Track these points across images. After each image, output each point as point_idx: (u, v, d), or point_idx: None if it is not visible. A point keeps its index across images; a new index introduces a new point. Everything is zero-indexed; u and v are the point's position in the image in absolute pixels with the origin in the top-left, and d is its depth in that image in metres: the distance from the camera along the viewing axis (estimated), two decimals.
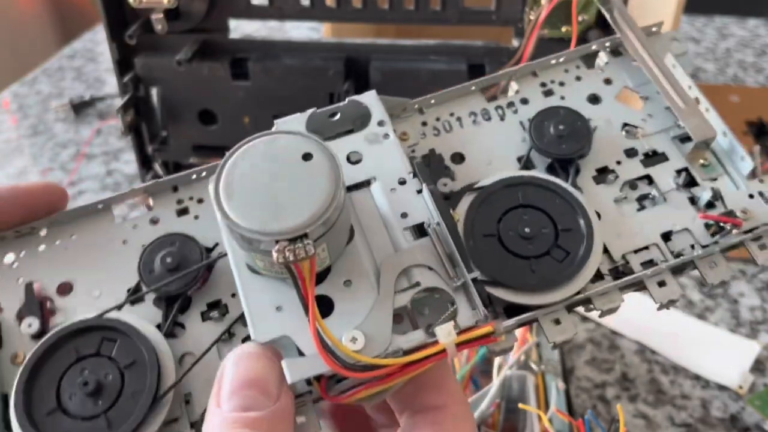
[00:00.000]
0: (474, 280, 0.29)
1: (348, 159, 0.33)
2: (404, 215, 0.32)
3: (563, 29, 0.57)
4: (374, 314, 0.29)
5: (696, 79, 0.98)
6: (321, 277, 0.30)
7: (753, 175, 0.34)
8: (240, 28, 1.01)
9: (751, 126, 0.86)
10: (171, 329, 0.32)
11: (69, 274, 0.34)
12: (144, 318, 0.32)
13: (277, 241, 0.27)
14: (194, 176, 0.35)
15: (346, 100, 0.35)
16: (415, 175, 0.33)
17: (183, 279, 0.33)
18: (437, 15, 0.59)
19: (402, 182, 0.33)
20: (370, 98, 0.35)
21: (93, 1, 0.59)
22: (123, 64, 0.61)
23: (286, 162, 0.29)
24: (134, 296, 0.33)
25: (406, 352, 0.29)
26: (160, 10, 0.57)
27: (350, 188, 0.32)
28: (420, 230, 0.32)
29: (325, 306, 0.29)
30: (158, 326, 0.32)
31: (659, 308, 0.32)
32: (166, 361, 0.31)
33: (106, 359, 0.30)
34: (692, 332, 0.64)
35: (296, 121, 0.34)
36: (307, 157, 0.29)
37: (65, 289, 0.33)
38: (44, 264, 0.34)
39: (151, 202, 0.35)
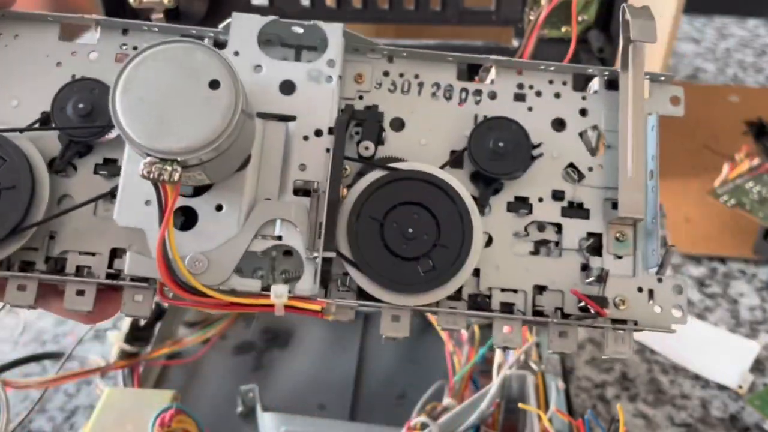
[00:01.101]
0: (326, 259, 0.31)
1: (281, 87, 0.33)
2: (302, 167, 0.32)
3: (563, 29, 0.57)
4: (227, 246, 0.31)
5: (696, 79, 0.98)
6: (198, 191, 0.32)
7: (656, 271, 0.33)
8: None
9: (751, 126, 0.86)
10: (63, 167, 0.33)
11: None
12: (44, 147, 0.33)
13: (148, 155, 0.27)
14: (146, 28, 0.35)
15: (312, 22, 0.35)
16: (330, 132, 0.33)
17: (91, 128, 0.33)
18: (437, 15, 0.59)
19: (318, 133, 0.33)
20: (334, 30, 0.34)
21: (93, 1, 0.59)
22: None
23: (192, 80, 0.28)
24: (38, 129, 0.33)
25: (238, 294, 0.30)
26: (160, 10, 0.57)
27: (269, 116, 0.33)
28: (306, 192, 0.32)
29: (189, 219, 0.31)
30: (53, 159, 0.33)
31: (495, 347, 0.33)
32: (41, 195, 0.32)
33: None
34: (692, 332, 0.64)
35: (255, 21, 0.34)
36: (214, 84, 0.28)
37: None
38: None
39: (98, 34, 0.36)
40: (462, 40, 0.64)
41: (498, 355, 0.51)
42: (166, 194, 0.28)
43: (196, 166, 0.28)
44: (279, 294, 0.30)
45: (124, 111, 0.28)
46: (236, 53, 0.34)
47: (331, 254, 0.31)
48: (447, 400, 0.49)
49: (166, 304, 0.31)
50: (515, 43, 0.59)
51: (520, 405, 0.46)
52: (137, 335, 0.56)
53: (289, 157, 0.32)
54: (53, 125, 0.33)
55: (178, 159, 0.27)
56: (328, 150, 0.32)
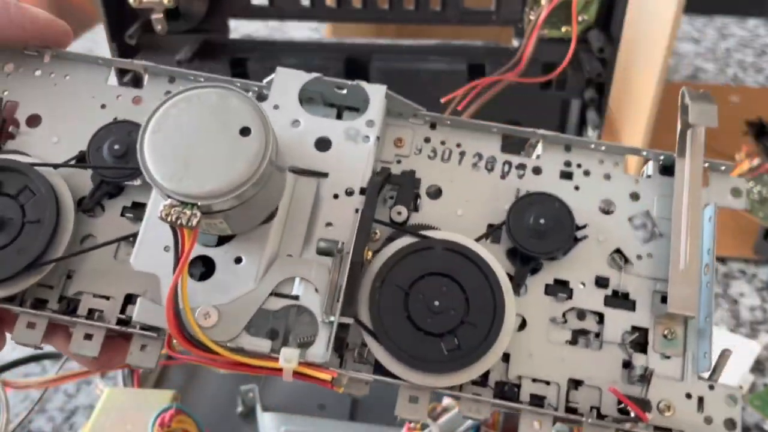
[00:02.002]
0: (343, 326, 0.29)
1: (316, 143, 0.32)
2: (329, 225, 0.31)
3: (563, 29, 0.57)
4: (240, 301, 0.29)
5: (696, 79, 0.98)
6: (221, 240, 0.31)
7: (708, 377, 0.30)
8: (240, 28, 1.01)
9: (751, 126, 0.86)
10: (92, 207, 0.33)
11: (44, 108, 0.35)
12: (76, 185, 0.33)
13: (169, 197, 0.27)
14: (192, 77, 0.35)
15: (356, 81, 0.33)
16: (362, 193, 0.31)
17: (123, 170, 0.33)
18: (437, 15, 0.59)
19: (349, 193, 0.31)
20: (376, 92, 0.33)
21: (93, 1, 0.59)
22: None
23: (223, 126, 0.28)
24: (72, 165, 0.34)
25: (246, 353, 0.29)
26: (160, 10, 0.57)
27: (301, 171, 0.32)
28: (331, 254, 0.30)
29: (206, 269, 0.30)
30: (83, 198, 0.33)
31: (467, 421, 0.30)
32: (65, 232, 0.32)
33: (18, 206, 0.32)
34: None
35: (299, 77, 0.33)
36: (245, 131, 0.28)
37: (34, 121, 0.35)
38: (32, 87, 0.35)
39: (146, 80, 0.36)
40: (462, 40, 0.64)
41: None
42: (183, 239, 0.27)
43: (218, 213, 0.27)
44: (289, 358, 0.28)
45: (150, 150, 0.27)
46: (276, 107, 0.33)
47: (349, 320, 0.29)
48: (447, 400, 0.49)
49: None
50: (515, 43, 0.59)
51: None
52: None
53: (317, 214, 0.31)
54: (87, 163, 0.34)
55: (198, 204, 0.26)
56: (357, 210, 0.31)
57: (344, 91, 0.34)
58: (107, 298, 0.32)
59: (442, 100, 0.50)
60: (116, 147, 0.33)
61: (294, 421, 0.50)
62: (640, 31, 0.69)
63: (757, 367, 0.61)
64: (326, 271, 0.30)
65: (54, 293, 0.32)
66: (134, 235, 0.32)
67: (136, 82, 0.63)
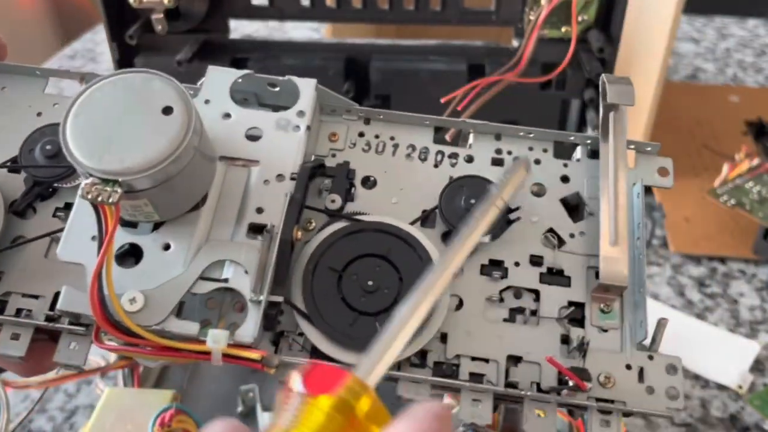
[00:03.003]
0: (273, 306, 0.29)
1: (246, 133, 0.33)
2: (259, 210, 0.31)
3: (563, 29, 0.57)
4: (168, 286, 0.29)
5: (695, 79, 0.98)
6: (149, 228, 0.30)
7: (646, 347, 0.30)
8: (240, 29, 1.01)
9: (751, 126, 0.86)
10: (22, 208, 0.33)
11: None
12: (9, 189, 0.33)
13: (90, 175, 0.27)
14: None
15: (286, 77, 0.34)
16: (293, 179, 0.31)
17: (55, 169, 0.33)
18: (437, 15, 0.59)
19: (280, 178, 0.32)
20: (306, 86, 0.34)
21: (93, 1, 0.59)
22: (123, 65, 0.61)
23: (146, 106, 0.28)
24: (6, 165, 0.34)
25: (175, 337, 0.28)
26: (160, 11, 0.57)
27: (232, 160, 0.32)
28: (261, 232, 0.31)
29: (134, 256, 0.30)
30: (14, 202, 0.33)
31: (461, 424, 0.30)
32: None
33: None
34: (692, 332, 0.64)
35: (230, 74, 0.34)
36: (167, 110, 0.28)
37: None
38: None
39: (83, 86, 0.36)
40: (462, 40, 0.64)
41: None
42: (106, 219, 0.27)
43: (141, 193, 0.28)
44: (217, 339, 0.28)
45: (72, 132, 0.28)
46: (207, 101, 0.33)
47: (279, 298, 0.29)
48: (447, 400, 0.49)
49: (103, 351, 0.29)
50: (515, 43, 0.59)
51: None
52: None
53: (248, 200, 0.31)
54: (17, 165, 0.33)
55: (119, 180, 0.27)
56: (287, 195, 0.31)
57: (277, 89, 0.35)
58: (36, 297, 0.31)
59: (442, 100, 0.50)
60: (48, 147, 0.33)
61: None
62: (640, 31, 0.69)
63: (757, 367, 0.61)
64: (256, 252, 0.30)
65: None
66: (40, 237, 0.32)
67: None
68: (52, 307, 0.31)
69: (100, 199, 0.26)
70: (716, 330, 0.64)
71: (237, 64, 0.60)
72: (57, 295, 0.30)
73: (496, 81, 0.55)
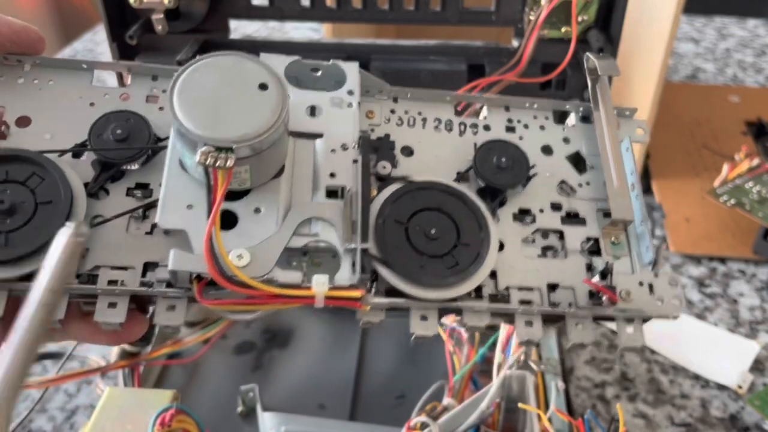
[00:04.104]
0: (364, 250, 0.33)
1: (308, 111, 0.37)
2: (332, 175, 0.35)
3: (563, 29, 0.57)
4: (268, 243, 0.33)
5: (695, 79, 0.98)
6: (238, 195, 0.33)
7: (651, 266, 0.36)
8: (240, 29, 1.01)
9: (751, 126, 0.86)
10: (96, 190, 0.35)
11: (32, 111, 0.37)
12: (79, 174, 0.35)
13: (204, 144, 0.30)
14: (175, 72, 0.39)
15: (330, 61, 0.39)
16: (356, 147, 0.36)
17: (124, 152, 0.35)
18: (437, 15, 0.59)
19: (344, 148, 0.36)
20: (350, 68, 0.39)
21: (93, 1, 0.59)
22: None
23: (243, 83, 0.32)
24: (76, 149, 0.36)
25: (282, 286, 0.31)
26: (160, 11, 0.57)
27: (299, 134, 0.36)
28: (339, 194, 0.35)
29: (229, 221, 0.33)
30: (86, 184, 0.35)
31: (519, 343, 0.36)
32: (78, 212, 0.33)
33: (28, 191, 0.33)
34: (692, 332, 0.64)
35: (279, 60, 0.38)
36: (263, 86, 0.32)
37: (23, 122, 0.36)
38: (16, 94, 0.37)
39: (129, 80, 0.39)
40: (462, 40, 0.64)
41: (498, 354, 0.51)
42: (216, 183, 0.30)
43: (245, 160, 0.31)
44: (321, 282, 0.31)
45: (181, 107, 0.31)
46: None
47: (367, 245, 0.33)
48: (447, 400, 0.49)
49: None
50: (515, 43, 0.59)
51: (519, 405, 0.46)
52: None
53: (320, 167, 0.35)
54: (89, 148, 0.35)
55: (233, 147, 0.30)
56: (354, 161, 0.35)
57: (319, 73, 0.39)
58: (125, 268, 0.33)
59: None
60: (119, 131, 0.36)
61: (294, 421, 0.50)
62: (640, 31, 0.69)
63: (757, 367, 0.61)
64: (339, 210, 0.34)
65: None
66: (144, 210, 0.34)
67: None
68: (143, 276, 0.33)
69: (217, 164, 0.30)
70: (716, 330, 0.64)
71: None
72: (146, 265, 0.33)
73: (496, 81, 0.55)
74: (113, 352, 0.55)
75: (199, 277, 0.31)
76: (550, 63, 0.55)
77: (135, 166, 0.36)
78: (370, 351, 0.60)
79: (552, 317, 0.35)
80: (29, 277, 0.31)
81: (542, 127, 0.40)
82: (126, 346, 0.55)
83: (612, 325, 0.64)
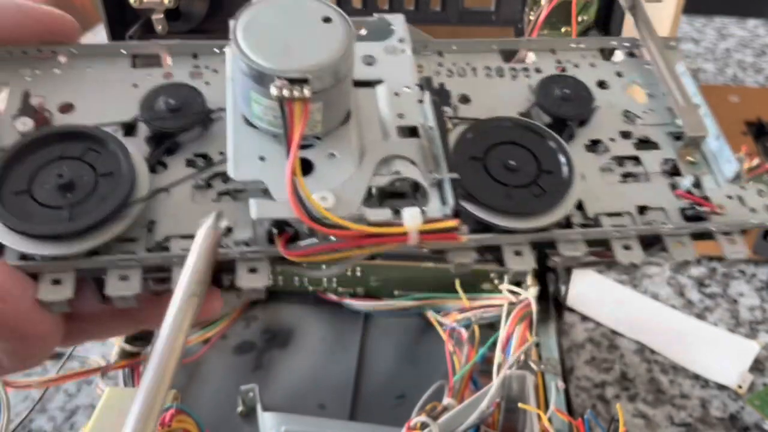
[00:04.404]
0: (453, 180, 0.31)
1: (363, 60, 0.36)
2: (401, 116, 0.34)
3: (563, 29, 0.57)
4: (350, 183, 0.31)
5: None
6: (308, 145, 0.32)
7: (736, 178, 0.36)
8: None
9: (751, 126, 0.86)
10: (154, 164, 0.33)
11: (74, 97, 0.35)
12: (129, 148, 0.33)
13: (278, 78, 0.29)
14: (216, 49, 0.38)
15: (375, 16, 0.38)
16: (421, 88, 0.35)
17: (179, 120, 0.34)
18: (437, 15, 0.59)
19: (407, 89, 0.35)
20: (397, 20, 0.38)
21: (93, 1, 0.59)
22: None
23: (307, 18, 0.31)
24: (129, 121, 0.34)
25: (372, 225, 0.30)
26: (160, 11, 0.57)
27: (357, 84, 0.35)
28: (411, 133, 0.34)
29: (305, 168, 0.31)
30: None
31: (621, 272, 0.34)
32: (141, 182, 0.32)
33: (86, 165, 0.31)
34: (691, 332, 0.64)
35: None
36: (327, 20, 0.31)
37: (66, 108, 0.35)
38: (55, 84, 0.36)
39: (169, 61, 0.38)
40: (462, 40, 0.64)
41: (498, 354, 0.51)
42: (293, 119, 0.29)
43: (316, 96, 0.30)
44: (413, 215, 0.29)
45: (249, 46, 0.30)
46: None
47: (455, 175, 0.31)
48: (447, 400, 0.49)
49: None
50: None
51: (519, 405, 0.46)
52: (138, 335, 0.56)
53: (386, 111, 0.34)
54: (142, 118, 0.34)
55: (308, 78, 0.29)
56: (420, 101, 0.35)
57: (363, 32, 0.38)
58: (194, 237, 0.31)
59: None
60: (171, 101, 0.34)
61: (294, 421, 0.50)
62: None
63: (757, 367, 0.61)
64: (417, 146, 0.33)
65: (140, 245, 0.31)
66: (207, 180, 0.33)
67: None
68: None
69: (296, 96, 0.28)
70: (716, 330, 0.64)
71: None
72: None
73: None
74: (113, 352, 0.56)
75: (280, 231, 0.30)
76: None
77: (192, 136, 0.34)
78: (370, 351, 0.60)
79: (649, 239, 0.34)
80: (96, 253, 0.30)
81: (592, 65, 0.40)
82: (126, 346, 0.55)
83: (613, 325, 0.64)
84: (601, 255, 0.34)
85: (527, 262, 0.32)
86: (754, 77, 1.00)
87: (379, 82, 0.35)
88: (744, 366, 0.60)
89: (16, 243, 0.29)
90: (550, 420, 0.45)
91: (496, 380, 0.47)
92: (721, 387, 0.59)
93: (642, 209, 0.35)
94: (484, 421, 0.47)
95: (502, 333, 0.51)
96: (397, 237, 0.29)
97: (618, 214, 0.34)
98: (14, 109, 0.34)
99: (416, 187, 0.32)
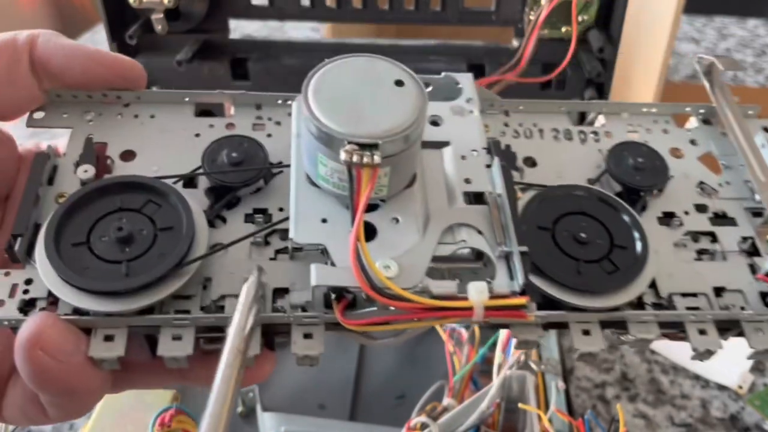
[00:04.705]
0: (522, 253, 0.29)
1: (430, 121, 0.35)
2: (467, 181, 0.33)
3: (563, 29, 0.57)
4: (413, 252, 0.30)
5: (696, 79, 0.98)
6: (372, 207, 0.31)
7: None
8: (240, 28, 1.01)
9: None
10: (213, 218, 0.32)
11: (136, 144, 0.35)
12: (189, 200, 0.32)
13: (348, 142, 0.28)
14: (279, 101, 0.37)
15: (442, 74, 0.37)
16: (488, 152, 0.34)
17: (241, 175, 0.33)
18: (437, 15, 0.59)
19: (474, 152, 0.34)
20: (465, 79, 0.37)
21: (93, 1, 0.59)
22: None
23: (378, 81, 0.31)
24: (190, 174, 0.34)
25: (435, 298, 0.28)
26: (160, 11, 0.57)
27: (423, 144, 0.33)
28: (478, 199, 0.32)
29: (368, 233, 0.30)
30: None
31: (694, 357, 0.32)
32: (200, 238, 0.31)
33: (146, 218, 0.31)
34: None
35: None
36: (399, 83, 0.31)
37: (128, 156, 0.35)
38: (118, 130, 0.35)
39: (232, 110, 0.37)
40: (462, 40, 0.64)
41: (498, 355, 0.51)
42: (360, 185, 0.28)
43: (386, 160, 0.29)
44: (480, 290, 0.28)
45: (319, 108, 0.29)
46: None
47: (524, 248, 0.30)
48: (447, 401, 0.49)
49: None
50: (515, 43, 0.59)
51: (520, 405, 0.46)
52: None
53: (452, 174, 0.33)
54: (205, 171, 0.33)
55: (378, 143, 0.28)
56: (488, 166, 0.33)
57: (430, 88, 0.36)
58: None
59: None
60: (234, 155, 0.34)
61: (294, 421, 0.50)
62: (640, 32, 0.69)
63: (757, 367, 0.61)
64: (484, 214, 0.32)
65: (194, 302, 0.30)
66: (265, 236, 0.32)
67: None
68: (273, 302, 0.30)
69: (365, 162, 0.28)
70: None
71: (237, 64, 0.61)
72: (276, 291, 0.31)
73: (496, 81, 0.55)
74: None
75: (338, 297, 0.29)
76: (550, 63, 0.55)
77: (252, 190, 0.33)
78: (370, 351, 0.60)
79: (725, 324, 0.32)
80: (150, 310, 0.29)
81: (665, 131, 0.39)
82: None
83: None
84: (673, 337, 0.33)
85: (596, 343, 0.30)
86: (754, 77, 1.00)
87: (445, 143, 0.34)
88: (744, 366, 0.60)
89: (71, 297, 0.28)
90: (550, 420, 0.45)
91: (496, 380, 0.47)
92: (722, 387, 0.59)
93: (718, 291, 0.33)
94: (484, 421, 0.46)
95: (502, 333, 0.51)
96: (461, 312, 0.28)
97: (693, 295, 0.32)
98: (76, 154, 0.34)
99: (479, 253, 0.31)
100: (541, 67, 0.56)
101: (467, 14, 0.59)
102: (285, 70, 0.60)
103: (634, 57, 0.71)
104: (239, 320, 0.27)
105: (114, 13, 0.58)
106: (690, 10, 0.92)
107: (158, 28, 0.58)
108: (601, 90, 0.58)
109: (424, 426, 0.46)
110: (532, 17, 0.56)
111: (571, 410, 0.50)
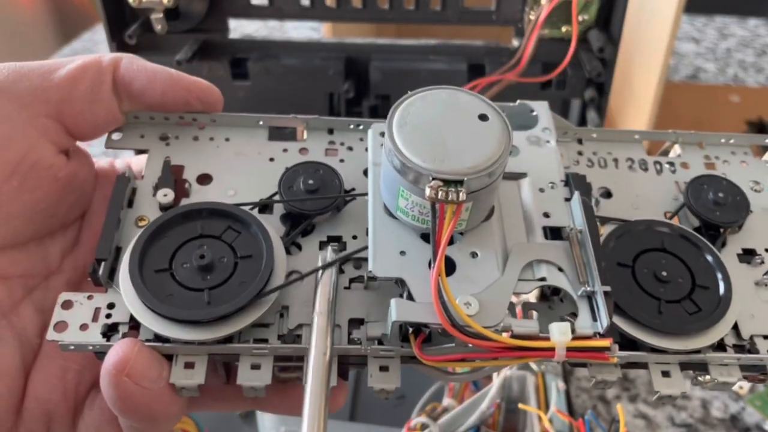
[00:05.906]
0: (606, 293, 0.29)
1: None
2: (546, 215, 0.32)
3: (563, 29, 0.57)
4: (493, 289, 0.29)
5: (696, 79, 0.98)
6: (450, 240, 0.30)
7: None
8: (240, 28, 1.01)
9: (751, 126, 0.86)
10: (288, 245, 0.32)
11: (212, 168, 0.35)
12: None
13: (433, 178, 0.28)
14: (352, 126, 0.37)
15: (517, 102, 0.36)
16: (566, 184, 0.33)
17: (318, 203, 0.33)
18: (437, 15, 0.59)
19: (552, 186, 0.33)
20: (541, 107, 0.36)
21: (93, 0, 0.59)
22: None
23: (462, 115, 0.30)
24: (268, 201, 0.34)
25: (515, 337, 0.28)
26: (159, 10, 0.57)
27: (505, 176, 0.33)
28: (556, 233, 0.32)
29: (448, 267, 0.30)
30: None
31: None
32: (279, 267, 0.31)
33: (226, 245, 0.31)
34: None
35: None
36: (483, 117, 0.30)
37: (204, 179, 0.35)
38: (194, 152, 0.36)
39: (305, 135, 0.37)
40: (462, 40, 0.64)
41: None
42: (443, 221, 0.28)
43: (471, 195, 0.28)
44: (563, 331, 0.28)
45: (404, 142, 0.29)
46: None
47: (608, 288, 0.29)
48: (447, 401, 0.49)
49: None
50: (515, 43, 0.59)
51: (520, 405, 0.46)
52: None
53: (530, 207, 0.33)
54: (282, 199, 0.34)
55: (464, 180, 0.28)
56: (567, 199, 0.33)
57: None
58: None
59: None
60: (310, 182, 0.34)
61: (294, 421, 0.50)
62: (640, 31, 0.69)
63: None
64: (565, 251, 0.31)
65: (272, 331, 0.30)
66: (340, 264, 0.32)
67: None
68: (349, 334, 0.30)
69: (450, 198, 0.27)
70: None
71: (236, 63, 0.61)
72: (351, 321, 0.30)
73: (497, 81, 0.55)
74: None
75: (416, 331, 0.29)
76: (551, 63, 0.55)
77: (326, 218, 0.33)
78: None
79: None
80: (229, 339, 0.29)
81: (744, 162, 0.38)
82: None
83: None
84: (752, 379, 0.32)
85: (677, 385, 0.30)
86: (755, 77, 1.00)
87: (523, 175, 0.34)
88: None
89: (153, 323, 0.29)
90: (550, 420, 0.45)
91: (496, 381, 0.47)
92: None
93: None
94: (485, 421, 0.46)
95: None
96: (542, 352, 0.28)
97: None
98: (155, 177, 0.34)
99: (556, 289, 0.30)
100: (541, 66, 0.56)
101: (467, 14, 0.59)
102: (285, 70, 0.60)
103: (634, 57, 0.71)
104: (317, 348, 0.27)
105: (113, 12, 0.58)
106: (690, 9, 0.92)
107: (158, 27, 0.58)
108: (602, 90, 0.58)
109: (424, 426, 0.46)
110: (532, 17, 0.56)
111: (571, 410, 0.50)
